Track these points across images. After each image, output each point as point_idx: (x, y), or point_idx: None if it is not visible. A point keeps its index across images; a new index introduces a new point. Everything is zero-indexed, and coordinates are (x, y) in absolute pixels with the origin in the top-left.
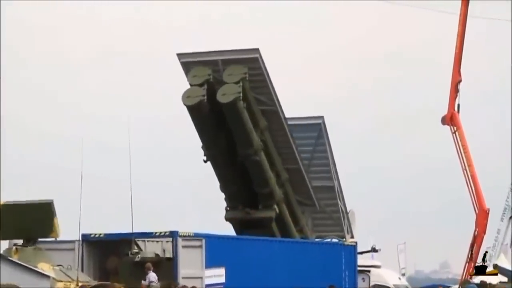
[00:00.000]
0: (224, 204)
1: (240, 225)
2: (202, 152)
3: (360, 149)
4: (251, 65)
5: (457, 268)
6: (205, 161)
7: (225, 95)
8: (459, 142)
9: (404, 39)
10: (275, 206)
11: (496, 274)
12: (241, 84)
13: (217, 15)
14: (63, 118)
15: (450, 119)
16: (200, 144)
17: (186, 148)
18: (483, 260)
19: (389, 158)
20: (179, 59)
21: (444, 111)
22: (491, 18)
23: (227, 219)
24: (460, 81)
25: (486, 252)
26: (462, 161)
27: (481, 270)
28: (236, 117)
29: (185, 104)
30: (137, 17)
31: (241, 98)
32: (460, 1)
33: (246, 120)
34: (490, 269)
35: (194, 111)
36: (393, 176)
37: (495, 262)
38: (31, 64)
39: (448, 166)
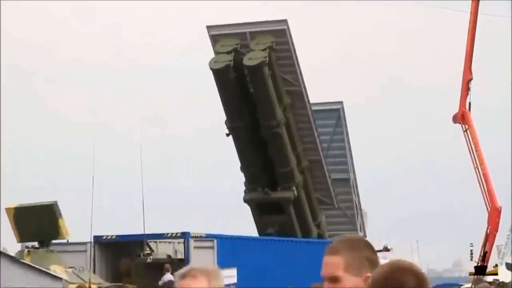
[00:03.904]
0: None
1: (258, 207)
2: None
3: (374, 146)
4: (278, 38)
5: (470, 266)
6: (227, 135)
7: (251, 59)
8: (471, 141)
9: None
10: (294, 188)
11: (496, 274)
12: (267, 51)
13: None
14: (74, 118)
15: (461, 118)
16: (224, 119)
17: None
18: (483, 260)
19: (402, 156)
20: (208, 31)
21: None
22: (496, 16)
23: (245, 200)
24: (471, 79)
25: (486, 252)
26: (473, 159)
27: (480, 270)
28: (261, 83)
29: (211, 68)
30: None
31: (266, 62)
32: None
33: (271, 88)
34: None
35: (220, 75)
36: (405, 174)
37: (508, 261)
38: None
39: (460, 164)
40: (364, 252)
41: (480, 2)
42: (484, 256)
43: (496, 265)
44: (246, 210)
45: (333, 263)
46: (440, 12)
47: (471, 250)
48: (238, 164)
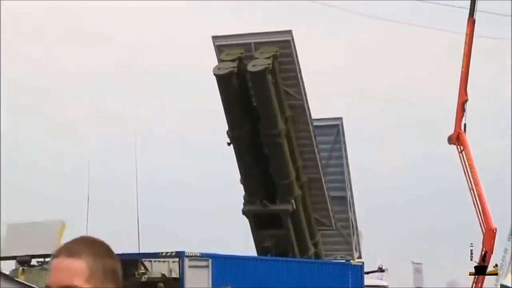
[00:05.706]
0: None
1: (256, 220)
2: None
3: (368, 166)
4: (282, 49)
5: (465, 286)
6: (228, 144)
7: (255, 66)
8: (466, 162)
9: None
10: (293, 201)
11: (496, 274)
12: (271, 59)
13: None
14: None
15: (457, 139)
16: (226, 129)
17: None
18: (483, 260)
19: (396, 176)
20: (214, 42)
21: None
22: (494, 38)
23: (244, 212)
24: (466, 100)
25: (486, 252)
26: (469, 180)
27: (481, 270)
28: (264, 90)
29: (215, 74)
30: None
31: (270, 69)
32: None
33: (273, 96)
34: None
35: (224, 81)
36: (398, 194)
37: (503, 282)
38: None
39: (455, 185)
40: (109, 261)
41: (476, 23)
42: (484, 256)
43: (496, 265)
44: (245, 227)
45: (69, 269)
46: (437, 34)
47: (471, 250)
48: (238, 178)
